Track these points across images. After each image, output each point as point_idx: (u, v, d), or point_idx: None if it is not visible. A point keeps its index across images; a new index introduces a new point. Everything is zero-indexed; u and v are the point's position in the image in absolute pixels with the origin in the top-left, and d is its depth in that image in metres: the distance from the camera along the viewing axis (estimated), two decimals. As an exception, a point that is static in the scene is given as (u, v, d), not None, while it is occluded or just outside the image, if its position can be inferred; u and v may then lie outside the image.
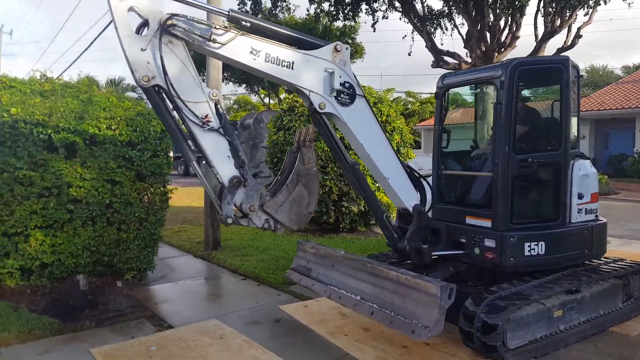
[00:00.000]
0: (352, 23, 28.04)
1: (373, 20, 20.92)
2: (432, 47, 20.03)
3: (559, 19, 17.82)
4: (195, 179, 21.20)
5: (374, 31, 21.58)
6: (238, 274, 7.15)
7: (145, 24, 3.62)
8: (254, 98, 42.14)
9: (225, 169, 3.92)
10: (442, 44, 20.82)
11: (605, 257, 5.47)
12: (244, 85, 35.88)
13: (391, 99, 36.17)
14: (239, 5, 22.43)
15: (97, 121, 6.33)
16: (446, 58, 20.10)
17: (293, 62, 4.02)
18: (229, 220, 3.95)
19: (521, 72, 4.57)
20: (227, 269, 7.48)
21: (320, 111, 4.15)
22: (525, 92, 5.45)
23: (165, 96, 3.75)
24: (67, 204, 6.10)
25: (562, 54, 18.45)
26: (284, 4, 23.17)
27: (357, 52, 32.97)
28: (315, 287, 5.04)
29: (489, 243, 4.50)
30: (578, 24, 18.23)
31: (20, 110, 5.94)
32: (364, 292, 4.42)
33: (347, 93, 4.19)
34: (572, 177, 4.79)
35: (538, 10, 18.23)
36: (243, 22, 3.92)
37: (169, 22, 3.62)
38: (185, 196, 14.93)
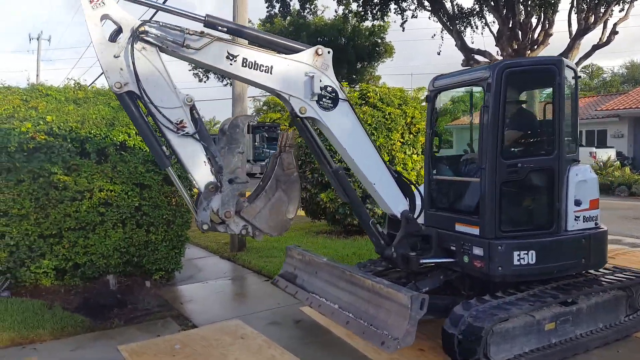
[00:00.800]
0: (381, 23, 27.95)
1: (402, 19, 20.82)
2: (461, 45, 19.79)
3: (593, 16, 17.31)
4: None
5: (403, 30, 21.49)
6: (262, 275, 7.32)
7: (119, 30, 3.66)
8: (283, 99, 42.44)
9: (201, 175, 3.89)
10: (472, 42, 20.53)
11: (609, 267, 5.16)
12: (272, 86, 36.19)
13: (422, 97, 35.85)
14: (267, 7, 22.68)
15: (127, 127, 6.60)
16: (477, 57, 19.81)
17: (272, 67, 3.96)
18: (205, 227, 3.92)
19: (509, 74, 4.40)
20: (252, 270, 7.68)
21: (301, 116, 4.09)
22: (518, 95, 5.28)
23: (140, 102, 3.78)
24: (99, 207, 6.39)
25: (597, 50, 17.96)
26: (312, 5, 23.22)
27: (386, 51, 32.87)
28: (298, 295, 5.00)
29: (477, 251, 4.35)
30: (614, 20, 17.67)
31: (55, 118, 6.26)
32: (342, 300, 4.36)
33: (330, 97, 4.12)
34: (568, 183, 4.58)
35: (572, 6, 17.76)
36: (219, 27, 3.88)
37: (141, 28, 3.65)
38: (215, 197, 15.14)
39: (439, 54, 21.93)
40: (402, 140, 9.80)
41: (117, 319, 5.60)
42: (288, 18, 30.27)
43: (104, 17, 3.61)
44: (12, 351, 4.79)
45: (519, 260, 4.28)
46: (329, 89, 4.10)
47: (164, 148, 3.89)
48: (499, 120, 4.32)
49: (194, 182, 3.91)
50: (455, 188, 5.16)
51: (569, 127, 4.81)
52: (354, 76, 32.65)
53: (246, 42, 4.28)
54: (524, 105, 5.42)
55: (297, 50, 4.07)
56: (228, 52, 3.85)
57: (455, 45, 19.96)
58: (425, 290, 4.55)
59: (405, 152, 9.71)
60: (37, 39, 33.93)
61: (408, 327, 3.56)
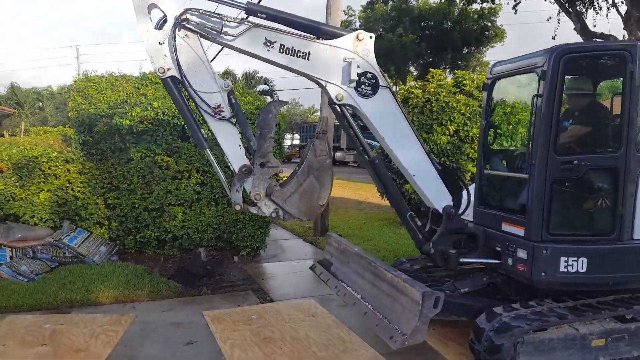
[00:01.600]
0: (492, 5, 26.50)
1: (515, 1, 19.58)
2: (581, 29, 18.14)
3: None
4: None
5: (515, 13, 20.23)
6: (341, 260, 7.55)
7: (164, 19, 3.78)
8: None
9: (235, 157, 3.99)
10: (594, 26, 18.73)
11: None
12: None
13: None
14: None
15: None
16: (599, 41, 18.07)
17: (309, 53, 3.89)
18: (237, 207, 3.99)
19: (568, 61, 3.94)
20: (332, 253, 7.94)
21: (337, 102, 3.99)
22: (586, 85, 4.66)
23: (182, 86, 3.91)
24: (195, 186, 7.04)
25: None
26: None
27: (496, 35, 31.17)
28: (329, 282, 4.96)
29: (521, 254, 4.05)
30: None
31: (161, 104, 6.97)
32: (366, 291, 4.30)
33: (369, 84, 3.97)
34: (639, 185, 4.04)
35: None
36: (259, 14, 3.88)
37: (183, 16, 3.75)
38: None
39: (553, 38, 20.23)
40: (499, 131, 9.39)
41: (205, 287, 6.20)
42: (390, 3, 29.83)
43: (151, 6, 3.76)
44: (115, 307, 5.55)
45: (566, 267, 3.93)
46: (368, 75, 3.96)
47: (203, 131, 4.07)
48: (553, 112, 3.94)
49: (229, 163, 4.02)
50: (505, 184, 4.80)
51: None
52: (459, 62, 31.41)
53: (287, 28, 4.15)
54: (596, 97, 4.82)
55: (337, 36, 3.97)
56: (266, 39, 3.84)
57: (574, 28, 18.34)
58: (463, 291, 4.41)
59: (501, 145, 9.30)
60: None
61: (418, 324, 3.47)
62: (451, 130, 9.24)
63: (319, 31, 3.98)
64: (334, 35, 3.97)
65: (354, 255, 4.71)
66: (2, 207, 6.71)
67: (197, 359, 4.39)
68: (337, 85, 3.95)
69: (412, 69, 34.12)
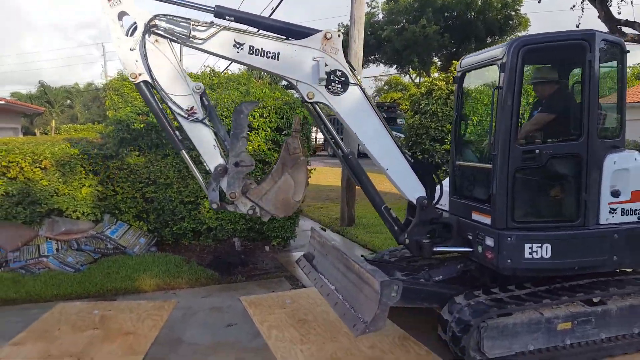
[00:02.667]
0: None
1: (539, -11, 19.26)
2: (605, 17, 17.79)
3: None
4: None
5: (539, 2, 19.94)
6: (367, 249, 7.83)
7: (135, 25, 3.87)
8: (405, 78, 41.94)
9: (210, 158, 4.10)
10: (619, 13, 18.33)
11: None
12: (395, 66, 35.81)
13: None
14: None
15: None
16: (624, 29, 17.69)
17: (278, 53, 3.94)
18: (214, 206, 4.09)
19: (526, 53, 3.97)
20: (358, 243, 8.24)
21: (308, 100, 4.04)
22: (552, 74, 4.66)
23: (155, 90, 4.00)
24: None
25: None
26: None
27: (520, 24, 30.70)
28: (310, 275, 5.01)
29: (489, 242, 4.08)
30: None
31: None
32: (339, 282, 4.37)
33: (339, 81, 4.02)
34: (603, 172, 4.08)
35: None
36: (227, 17, 3.95)
37: (152, 22, 3.84)
38: (332, 176, 15.96)
39: (577, 26, 19.87)
40: (470, 122, 9.47)
41: (240, 275, 6.51)
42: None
43: (121, 13, 3.85)
44: (157, 294, 5.90)
45: (530, 253, 3.96)
46: (338, 73, 4.00)
47: (178, 133, 4.15)
48: (513, 103, 3.96)
49: (205, 164, 4.13)
50: (473, 175, 4.82)
51: (614, 111, 4.35)
52: (483, 52, 31.03)
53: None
54: (560, 86, 4.79)
55: (306, 35, 4.00)
56: (235, 41, 3.90)
57: (598, 16, 18.01)
58: (437, 279, 4.47)
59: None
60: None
61: (378, 312, 3.51)
62: (474, 120, 9.32)
63: (288, 32, 4.04)
64: (303, 35, 4.01)
65: (331, 249, 4.78)
66: (47, 202, 7.12)
67: (237, 338, 4.69)
68: (308, 84, 4.01)
69: (435, 60, 33.91)
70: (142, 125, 7.18)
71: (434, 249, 4.40)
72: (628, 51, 4.23)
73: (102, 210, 7.36)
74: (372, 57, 34.25)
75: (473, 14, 30.30)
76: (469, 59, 4.80)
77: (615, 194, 4.13)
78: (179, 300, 5.66)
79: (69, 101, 48.71)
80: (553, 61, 4.72)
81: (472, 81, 5.06)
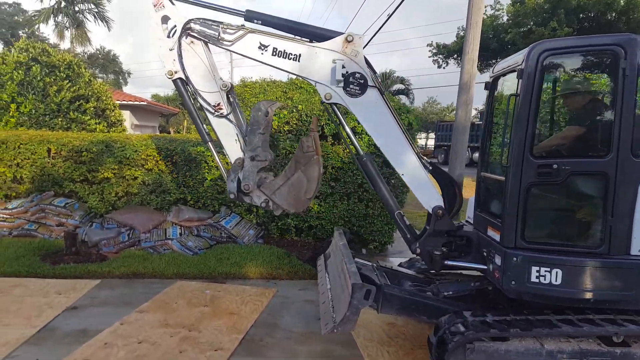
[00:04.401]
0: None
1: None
2: None
3: None
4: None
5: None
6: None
7: (175, 28, 4.26)
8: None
9: (232, 151, 4.39)
10: None
11: None
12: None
13: None
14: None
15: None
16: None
17: (300, 55, 4.07)
18: (232, 196, 4.37)
19: (548, 59, 3.61)
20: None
21: (326, 101, 4.13)
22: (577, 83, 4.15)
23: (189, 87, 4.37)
24: (330, 181, 7.74)
25: None
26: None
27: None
28: (319, 274, 4.98)
29: (497, 260, 3.80)
30: None
31: (304, 107, 7.80)
32: (334, 282, 4.31)
33: (357, 84, 4.03)
34: (638, 195, 3.54)
35: None
36: (255, 20, 4.18)
37: (187, 25, 4.22)
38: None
39: None
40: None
41: (336, 273, 6.84)
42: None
43: (164, 17, 4.26)
44: (260, 282, 6.48)
45: (537, 277, 3.60)
46: (357, 75, 4.02)
47: (205, 126, 4.51)
48: (529, 112, 3.63)
49: (227, 156, 4.41)
50: (492, 187, 4.51)
51: None
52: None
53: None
54: (593, 97, 4.34)
55: (328, 38, 4.08)
56: (260, 43, 4.12)
57: None
58: (447, 294, 4.25)
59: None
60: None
61: (347, 314, 3.50)
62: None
63: (313, 34, 4.16)
64: (325, 37, 4.10)
65: (336, 249, 4.81)
66: (175, 192, 8.13)
67: (326, 330, 5.05)
68: (326, 85, 4.09)
69: (565, 64, 31.46)
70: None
71: (446, 263, 4.22)
72: None
73: (220, 203, 8.18)
74: (494, 61, 32.77)
75: (614, 14, 27.61)
76: (501, 64, 4.50)
77: None
78: (278, 289, 6.16)
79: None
80: (579, 69, 4.29)
81: (507, 87, 4.68)
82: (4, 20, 42.54)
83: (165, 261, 6.95)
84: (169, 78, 4.38)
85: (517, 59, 3.96)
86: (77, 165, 8.18)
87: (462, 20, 10.47)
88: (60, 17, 30.08)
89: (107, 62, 43.69)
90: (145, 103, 21.71)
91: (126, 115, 19.54)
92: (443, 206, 4.21)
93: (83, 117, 10.90)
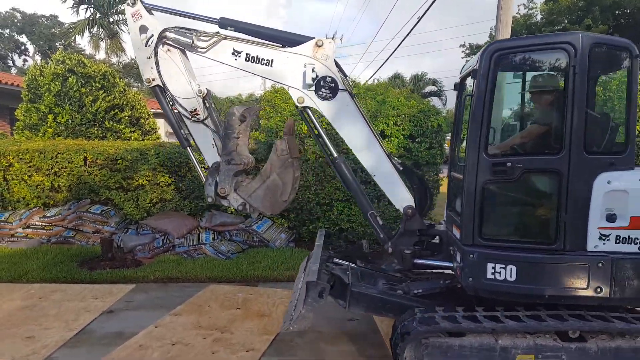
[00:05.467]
0: None
1: None
2: None
3: None
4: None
5: None
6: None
7: (152, 36, 4.36)
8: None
9: (209, 155, 4.49)
10: None
11: None
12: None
13: None
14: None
15: (386, 118, 7.68)
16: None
17: (272, 60, 4.14)
18: (209, 199, 4.45)
19: (500, 60, 3.64)
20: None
21: (299, 105, 4.19)
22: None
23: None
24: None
25: None
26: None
27: None
28: (297, 276, 4.99)
29: (458, 257, 3.84)
30: None
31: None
32: (302, 282, 4.24)
33: (328, 87, 4.08)
34: (593, 192, 3.51)
35: None
36: (229, 27, 4.28)
37: (163, 34, 4.31)
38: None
39: None
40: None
41: (367, 276, 6.76)
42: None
43: (142, 27, 4.37)
44: (291, 285, 6.34)
45: (493, 274, 3.61)
46: (328, 79, 4.08)
47: (183, 132, 4.58)
48: (483, 112, 3.64)
49: (204, 160, 4.52)
50: (457, 186, 4.50)
51: (619, 122, 3.80)
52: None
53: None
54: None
55: (299, 43, 4.14)
56: (233, 49, 4.20)
57: None
58: (416, 292, 4.23)
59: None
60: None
61: (302, 311, 3.56)
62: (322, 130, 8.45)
63: (284, 40, 4.22)
64: (296, 42, 4.16)
65: (316, 248, 4.84)
66: (208, 197, 8.24)
67: (358, 331, 5.05)
68: (298, 90, 4.15)
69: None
70: (286, 132, 7.91)
71: (415, 262, 4.26)
72: (639, 55, 3.61)
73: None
74: (527, 61, 32.08)
75: (652, 10, 26.65)
76: (467, 65, 4.52)
77: (610, 218, 3.52)
78: (308, 292, 6.14)
79: (232, 110, 54.36)
80: (531, 67, 4.31)
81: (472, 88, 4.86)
82: (42, 33, 44.30)
83: (198, 265, 7.05)
84: (147, 86, 4.48)
85: (471, 62, 4.06)
86: (113, 173, 8.40)
87: (494, 21, 10.30)
88: (95, 29, 31.06)
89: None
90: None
91: (160, 123, 19.97)
92: (414, 206, 4.24)
93: (118, 126, 11.19)
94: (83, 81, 11.00)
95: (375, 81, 13.96)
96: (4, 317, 5.31)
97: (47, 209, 8.76)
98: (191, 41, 4.30)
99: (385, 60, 39.17)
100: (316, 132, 4.50)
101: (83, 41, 46.14)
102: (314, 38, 4.13)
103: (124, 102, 11.73)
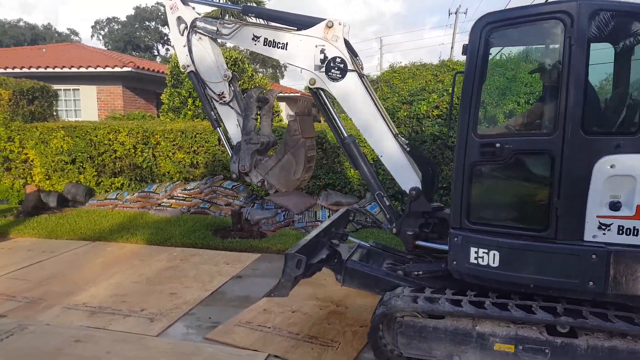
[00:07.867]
0: None
1: None
2: None
3: None
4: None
5: None
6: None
7: (186, 26, 4.72)
8: None
9: (234, 135, 4.83)
10: None
11: None
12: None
13: None
14: None
15: (517, 96, 7.34)
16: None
17: (287, 43, 4.25)
18: (234, 175, 4.79)
19: (491, 32, 3.36)
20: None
21: (311, 86, 4.24)
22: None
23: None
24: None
25: None
26: None
27: None
28: None
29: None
30: None
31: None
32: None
33: (338, 68, 4.10)
34: (592, 176, 3.11)
35: None
36: (250, 14, 4.66)
37: (194, 24, 4.65)
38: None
39: None
40: None
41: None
42: None
43: (179, 18, 4.74)
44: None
45: (476, 258, 3.44)
46: (337, 60, 4.09)
47: (213, 113, 4.89)
48: (472, 90, 3.38)
49: (230, 140, 4.84)
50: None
51: (623, 99, 3.48)
52: None
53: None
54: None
55: (313, 25, 4.17)
56: (253, 34, 4.41)
57: None
58: (417, 273, 4.17)
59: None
60: (455, 13, 32.52)
61: (282, 281, 3.78)
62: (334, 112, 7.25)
63: (298, 23, 4.29)
64: (309, 25, 4.21)
65: (324, 223, 4.93)
66: (324, 178, 8.61)
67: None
68: (310, 71, 4.21)
69: None
70: (404, 114, 7.93)
71: (417, 243, 4.25)
72: None
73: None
74: None
75: None
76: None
77: (613, 206, 3.11)
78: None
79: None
80: (526, 40, 4.13)
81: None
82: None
83: (314, 241, 7.42)
84: (183, 71, 4.93)
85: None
86: (242, 152, 9.13)
87: None
88: (227, 17, 33.29)
89: (266, 57, 47.27)
90: (299, 94, 23.10)
91: (282, 106, 21.01)
92: (419, 187, 4.19)
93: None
94: (218, 67, 11.93)
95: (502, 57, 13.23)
96: (153, 274, 6.18)
97: (187, 182, 9.83)
98: (216, 28, 4.65)
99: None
100: (328, 114, 4.54)
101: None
102: (324, 19, 4.17)
103: (252, 87, 12.56)
